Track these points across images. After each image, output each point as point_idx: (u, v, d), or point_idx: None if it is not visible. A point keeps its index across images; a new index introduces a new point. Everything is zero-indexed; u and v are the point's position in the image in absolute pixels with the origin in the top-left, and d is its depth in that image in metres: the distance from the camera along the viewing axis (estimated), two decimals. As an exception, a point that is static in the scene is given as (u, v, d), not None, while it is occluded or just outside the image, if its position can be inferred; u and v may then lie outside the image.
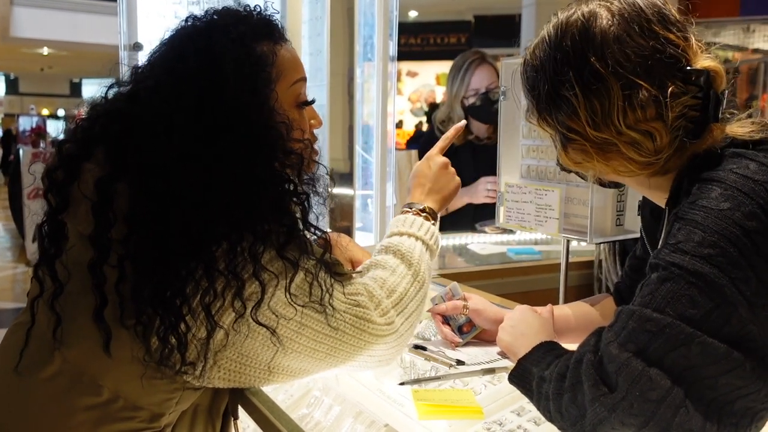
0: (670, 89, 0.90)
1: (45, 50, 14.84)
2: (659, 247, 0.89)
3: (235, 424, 1.19)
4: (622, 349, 0.82)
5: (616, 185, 1.17)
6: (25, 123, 12.60)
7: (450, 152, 1.32)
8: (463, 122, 1.38)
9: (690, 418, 0.79)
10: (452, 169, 1.29)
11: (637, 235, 1.39)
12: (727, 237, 0.81)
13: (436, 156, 1.29)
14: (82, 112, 1.10)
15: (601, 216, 1.46)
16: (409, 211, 1.23)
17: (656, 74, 0.91)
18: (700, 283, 0.81)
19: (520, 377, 1.00)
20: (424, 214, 1.22)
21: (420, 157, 2.38)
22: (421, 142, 3.29)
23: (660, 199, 1.02)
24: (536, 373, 0.95)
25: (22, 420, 1.00)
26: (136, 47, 1.87)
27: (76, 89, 21.35)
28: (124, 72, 1.09)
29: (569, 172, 1.09)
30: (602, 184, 1.11)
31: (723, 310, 0.80)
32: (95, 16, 11.52)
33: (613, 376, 0.81)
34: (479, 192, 2.53)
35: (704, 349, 0.79)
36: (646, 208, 1.20)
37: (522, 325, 1.22)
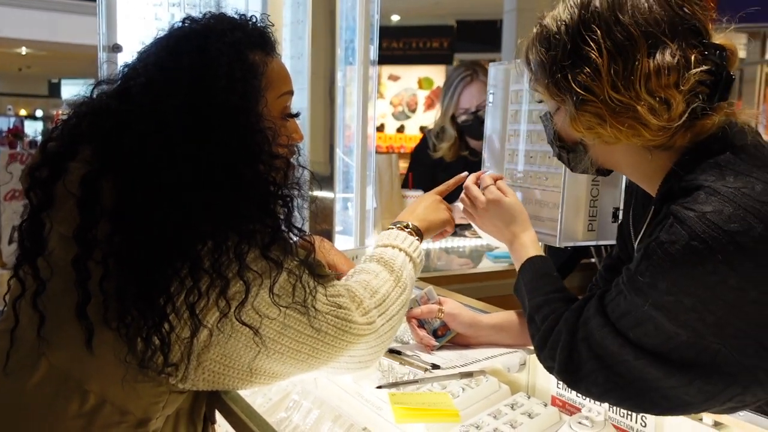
0: (693, 56, 0.92)
1: (23, 50, 14.62)
2: (647, 235, 0.92)
3: (213, 429, 1.19)
4: (601, 341, 0.96)
5: (609, 172, 1.16)
6: (2, 123, 12.44)
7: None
8: (465, 174, 1.44)
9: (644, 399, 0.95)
10: (444, 204, 1.38)
11: (610, 242, 1.41)
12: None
13: (432, 194, 1.40)
14: (61, 112, 1.09)
15: (572, 220, 1.47)
16: (393, 228, 1.28)
17: (681, 41, 0.93)
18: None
19: (518, 293, 1.21)
20: (408, 229, 1.27)
21: (410, 161, 2.40)
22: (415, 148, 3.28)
23: (654, 188, 1.03)
24: (528, 306, 1.13)
25: (13, 425, 0.99)
26: (116, 48, 1.86)
27: (54, 90, 21.06)
28: (113, 70, 1.09)
29: (565, 151, 1.10)
30: (599, 171, 1.12)
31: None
32: (74, 16, 11.38)
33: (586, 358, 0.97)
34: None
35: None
36: (635, 200, 1.19)
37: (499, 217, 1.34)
